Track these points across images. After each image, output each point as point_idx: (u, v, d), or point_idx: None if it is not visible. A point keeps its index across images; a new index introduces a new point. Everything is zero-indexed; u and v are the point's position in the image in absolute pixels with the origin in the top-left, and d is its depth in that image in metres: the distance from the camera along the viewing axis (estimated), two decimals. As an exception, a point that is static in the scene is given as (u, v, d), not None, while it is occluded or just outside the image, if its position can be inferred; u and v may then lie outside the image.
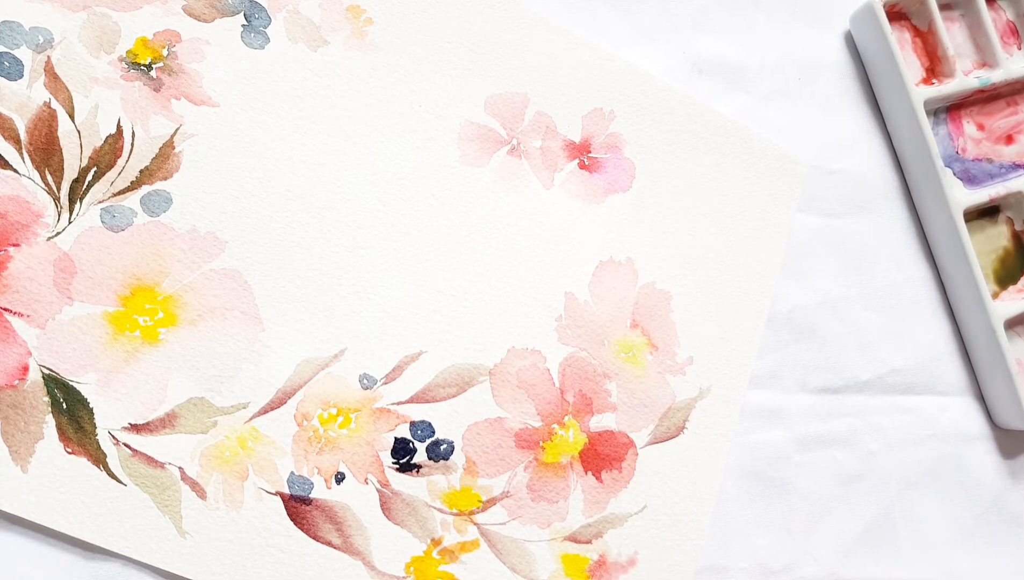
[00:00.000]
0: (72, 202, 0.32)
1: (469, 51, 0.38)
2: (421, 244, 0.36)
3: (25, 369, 0.30)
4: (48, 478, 0.30)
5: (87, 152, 0.32)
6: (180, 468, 0.31)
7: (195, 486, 0.31)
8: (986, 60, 0.44)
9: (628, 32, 0.41)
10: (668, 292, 0.39)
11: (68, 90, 0.32)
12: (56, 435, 0.30)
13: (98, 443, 0.31)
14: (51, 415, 0.30)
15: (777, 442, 0.40)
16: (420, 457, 0.34)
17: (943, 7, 0.44)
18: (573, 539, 0.36)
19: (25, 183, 0.31)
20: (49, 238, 0.31)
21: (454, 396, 0.35)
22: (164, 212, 0.33)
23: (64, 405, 0.30)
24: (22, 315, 0.30)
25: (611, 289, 0.38)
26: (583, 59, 0.39)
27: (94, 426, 0.31)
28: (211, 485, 0.31)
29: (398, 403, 0.34)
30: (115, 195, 0.32)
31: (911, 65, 0.44)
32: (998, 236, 0.44)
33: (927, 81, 0.44)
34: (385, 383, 0.34)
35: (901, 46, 0.43)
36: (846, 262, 0.42)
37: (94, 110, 0.32)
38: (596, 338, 0.37)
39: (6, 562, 0.29)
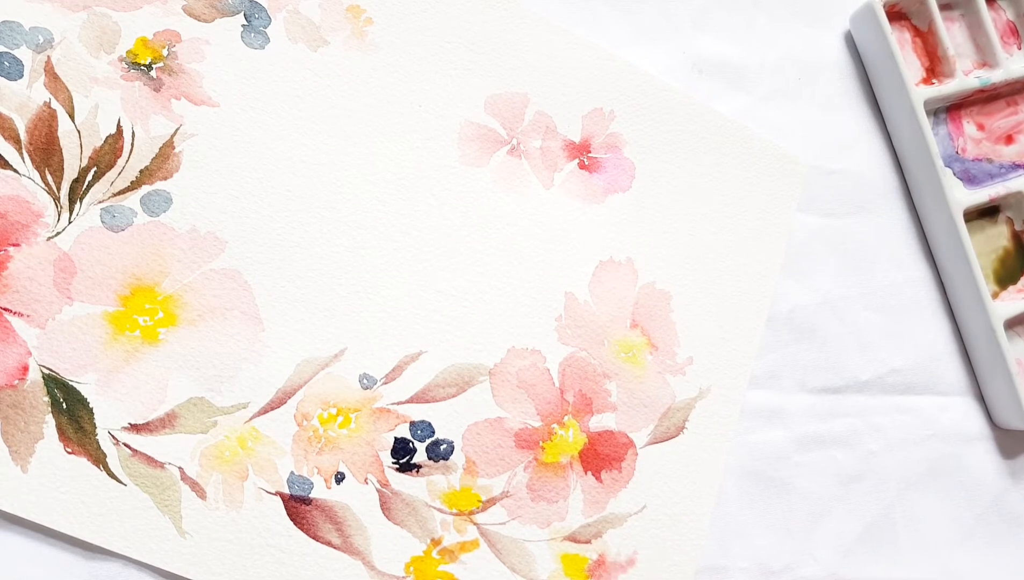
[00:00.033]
0: (72, 202, 0.32)
1: (469, 51, 0.38)
2: (421, 244, 0.36)
3: (25, 369, 0.30)
4: (48, 478, 0.30)
5: (87, 152, 0.32)
6: (180, 468, 0.31)
7: (195, 486, 0.31)
8: (986, 60, 0.44)
9: (628, 32, 0.41)
10: (668, 292, 0.39)
11: (68, 90, 0.32)
12: (56, 435, 0.30)
13: (98, 443, 0.31)
14: (51, 415, 0.30)
15: (777, 442, 0.40)
16: (420, 457, 0.34)
17: (943, 7, 0.44)
18: (573, 539, 0.36)
19: (25, 183, 0.31)
20: (49, 238, 0.31)
21: (454, 396, 0.35)
22: (164, 212, 0.33)
23: (64, 405, 0.30)
24: (22, 315, 0.30)
25: (611, 289, 0.38)
26: (583, 59, 0.39)
27: (94, 426, 0.31)
28: (211, 485, 0.31)
29: (398, 403, 0.34)
30: (115, 195, 0.32)
31: (911, 65, 0.44)
32: (998, 236, 0.44)
33: (927, 81, 0.44)
34: (385, 383, 0.34)
35: (901, 46, 0.43)
36: (846, 262, 0.42)
37: (94, 110, 0.32)
38: (596, 338, 0.37)
39: (6, 562, 0.29)
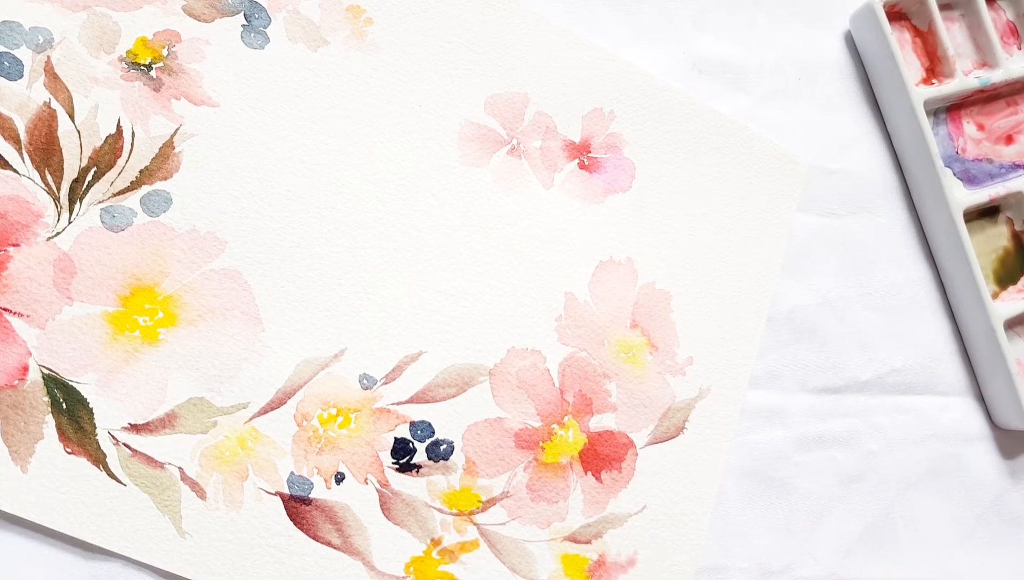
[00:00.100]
0: (72, 202, 0.32)
1: (469, 51, 0.38)
2: (421, 244, 0.36)
3: (25, 369, 0.30)
4: (48, 478, 0.30)
5: (87, 152, 0.32)
6: (180, 468, 0.31)
7: (195, 486, 0.31)
8: (986, 60, 0.44)
9: (628, 32, 0.41)
10: (668, 292, 0.39)
11: (68, 90, 0.32)
12: (56, 435, 0.30)
13: (98, 443, 0.31)
14: (51, 415, 0.30)
15: (777, 442, 0.40)
16: (420, 457, 0.34)
17: (943, 7, 0.44)
18: (573, 539, 0.36)
19: (25, 183, 0.31)
20: (49, 238, 0.31)
21: (454, 396, 0.35)
22: (164, 212, 0.33)
23: (64, 405, 0.30)
24: (22, 315, 0.30)
25: (611, 289, 0.38)
26: (583, 59, 0.39)
27: (94, 426, 0.31)
28: (211, 485, 0.31)
29: (398, 403, 0.34)
30: (115, 195, 0.32)
31: (911, 65, 0.44)
32: (998, 236, 0.44)
33: (927, 81, 0.44)
34: (385, 383, 0.34)
35: (901, 46, 0.43)
36: (846, 262, 0.42)
37: (94, 110, 0.32)
38: (596, 338, 0.37)
39: (6, 562, 0.29)
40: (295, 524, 0.32)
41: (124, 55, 0.33)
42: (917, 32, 0.44)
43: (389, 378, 0.34)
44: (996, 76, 0.43)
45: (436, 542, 0.34)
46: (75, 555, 0.30)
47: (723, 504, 0.38)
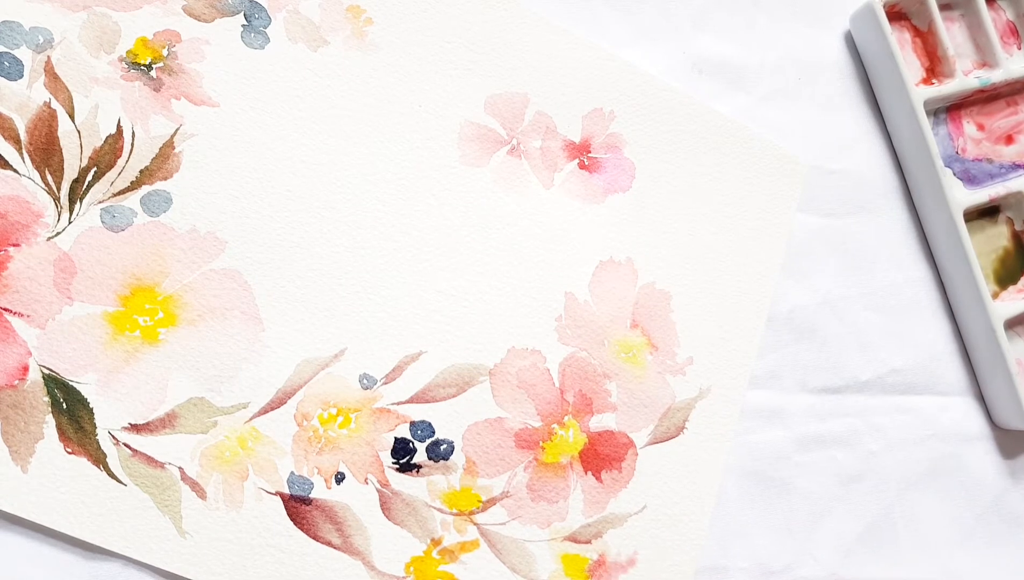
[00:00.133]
0: (72, 202, 0.32)
1: (469, 51, 0.38)
2: (421, 244, 0.36)
3: (25, 369, 0.30)
4: (48, 478, 0.30)
5: (87, 152, 0.32)
6: (180, 468, 0.31)
7: (195, 486, 0.31)
8: (986, 60, 0.44)
9: (628, 32, 0.41)
10: (668, 292, 0.39)
11: (68, 90, 0.32)
12: (56, 435, 0.30)
13: (98, 443, 0.31)
14: (51, 415, 0.30)
15: (777, 442, 0.40)
16: (420, 457, 0.34)
17: (943, 7, 0.44)
18: (573, 539, 0.36)
19: (25, 183, 0.31)
20: (49, 238, 0.31)
21: (454, 396, 0.35)
22: (164, 212, 0.33)
23: (64, 405, 0.30)
24: (22, 315, 0.30)
25: (611, 289, 0.38)
26: (583, 59, 0.39)
27: (94, 426, 0.31)
28: (211, 485, 0.31)
29: (398, 403, 0.34)
30: (115, 195, 0.32)
31: (911, 65, 0.44)
32: (998, 236, 0.44)
33: (927, 81, 0.44)
34: (385, 383, 0.34)
35: (901, 46, 0.43)
36: (846, 262, 0.42)
37: (94, 110, 0.32)
38: (596, 338, 0.37)
39: (6, 562, 0.29)
40: (295, 524, 0.32)
41: (124, 55, 0.33)
42: (917, 32, 0.44)
43: (389, 378, 0.34)
44: (996, 76, 0.43)
45: (436, 542, 0.34)
46: (75, 555, 0.30)
47: (723, 504, 0.38)
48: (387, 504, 0.33)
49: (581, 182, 0.38)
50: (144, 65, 0.33)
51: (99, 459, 0.30)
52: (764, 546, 0.39)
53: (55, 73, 0.32)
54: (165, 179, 0.33)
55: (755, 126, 0.42)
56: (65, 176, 0.32)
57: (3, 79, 0.31)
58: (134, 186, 0.32)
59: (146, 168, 0.33)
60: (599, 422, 0.37)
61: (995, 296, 0.43)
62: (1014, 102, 0.45)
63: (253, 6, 0.35)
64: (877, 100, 0.44)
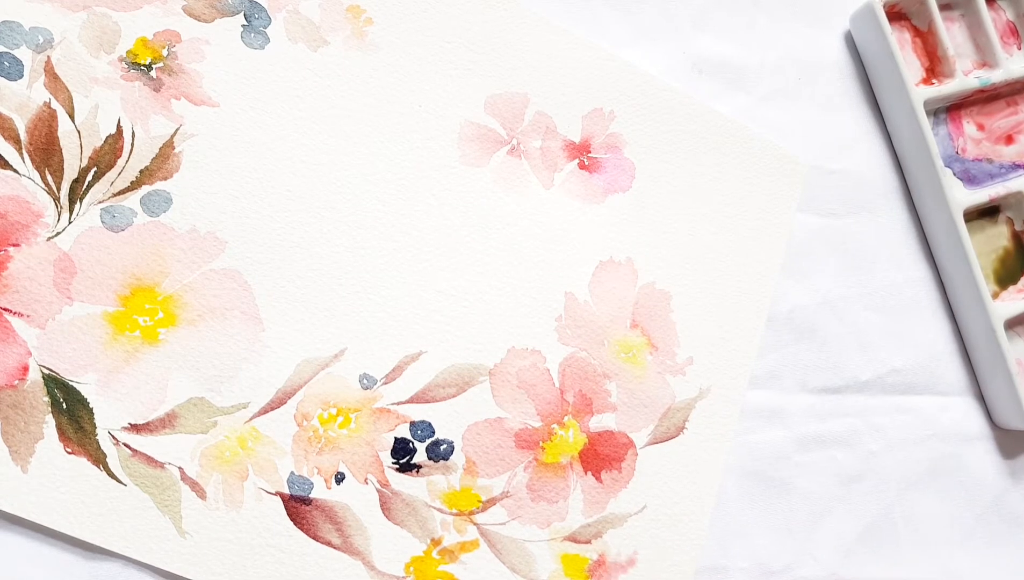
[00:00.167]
0: (72, 202, 0.32)
1: (469, 51, 0.38)
2: (421, 244, 0.36)
3: (25, 369, 0.30)
4: (48, 478, 0.30)
5: (87, 152, 0.32)
6: (180, 468, 0.31)
7: (195, 486, 0.31)
8: (986, 60, 0.44)
9: (628, 32, 0.41)
10: (668, 292, 0.39)
11: (68, 90, 0.32)
12: (56, 435, 0.30)
13: (98, 443, 0.31)
14: (51, 415, 0.30)
15: (777, 442, 0.40)
16: (420, 457, 0.34)
17: (943, 7, 0.44)
18: (573, 539, 0.36)
19: (25, 183, 0.31)
20: (49, 238, 0.31)
21: (454, 396, 0.35)
22: (164, 212, 0.33)
23: (64, 405, 0.30)
24: (22, 315, 0.30)
25: (611, 289, 0.38)
26: (583, 59, 0.39)
27: (94, 426, 0.31)
28: (211, 485, 0.31)
29: (398, 403, 0.34)
30: (115, 195, 0.32)
31: (911, 65, 0.44)
32: (998, 236, 0.44)
33: (927, 81, 0.44)
34: (385, 383, 0.34)
35: (901, 46, 0.43)
36: (846, 262, 0.42)
37: (94, 110, 0.32)
38: (596, 338, 0.37)
39: (6, 562, 0.29)
40: (295, 524, 0.32)
41: (124, 55, 0.33)
42: (917, 32, 0.44)
43: (389, 378, 0.34)
44: (996, 76, 0.43)
45: (436, 542, 0.34)
46: (75, 555, 0.30)
47: (723, 504, 0.38)
48: (387, 504, 0.33)
49: (581, 182, 0.38)
50: (144, 65, 0.33)
51: (99, 459, 0.30)
52: (764, 546, 0.39)
53: (55, 73, 0.32)
54: (165, 179, 0.33)
55: (755, 126, 0.42)
56: (65, 176, 0.32)
57: (3, 79, 0.31)
58: (134, 186, 0.32)
59: (146, 168, 0.33)
60: (599, 422, 0.37)
61: (995, 296, 0.43)
62: (1014, 102, 0.45)
63: (253, 6, 0.35)
64: (877, 100, 0.44)
